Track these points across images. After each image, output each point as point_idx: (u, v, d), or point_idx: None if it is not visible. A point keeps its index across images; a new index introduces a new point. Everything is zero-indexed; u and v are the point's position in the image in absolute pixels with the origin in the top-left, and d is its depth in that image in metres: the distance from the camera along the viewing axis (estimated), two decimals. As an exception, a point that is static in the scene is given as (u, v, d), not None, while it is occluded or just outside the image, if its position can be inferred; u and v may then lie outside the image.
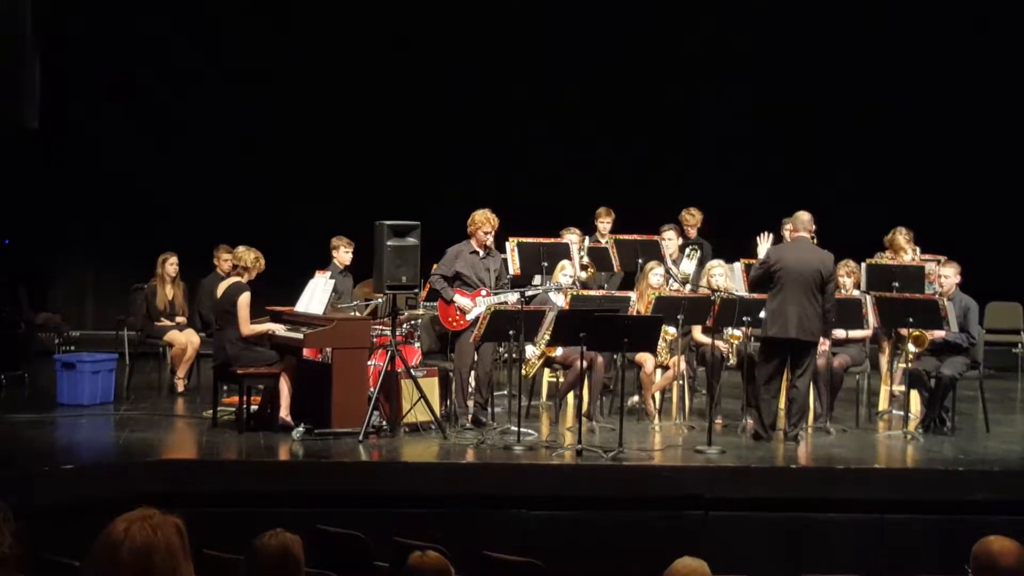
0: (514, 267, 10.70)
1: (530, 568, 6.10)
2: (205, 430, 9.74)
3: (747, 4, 15.08)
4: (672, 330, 10.04)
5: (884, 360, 11.28)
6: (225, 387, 10.28)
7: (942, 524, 8.48)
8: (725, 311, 9.82)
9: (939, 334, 10.11)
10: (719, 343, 10.17)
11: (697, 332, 10.54)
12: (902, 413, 10.64)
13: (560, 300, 10.20)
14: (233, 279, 9.79)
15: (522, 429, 9.41)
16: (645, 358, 10.32)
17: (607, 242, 11.60)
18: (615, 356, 10.20)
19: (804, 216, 9.83)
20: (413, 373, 9.54)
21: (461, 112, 14.67)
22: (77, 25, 13.89)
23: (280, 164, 14.38)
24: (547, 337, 9.71)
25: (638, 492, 8.71)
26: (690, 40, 14.98)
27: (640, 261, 10.96)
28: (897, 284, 10.39)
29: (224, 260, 11.27)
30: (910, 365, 10.20)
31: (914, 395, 10.38)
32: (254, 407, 9.85)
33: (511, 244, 10.78)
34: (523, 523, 8.43)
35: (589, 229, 12.07)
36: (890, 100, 14.87)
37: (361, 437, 9.20)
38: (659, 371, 10.51)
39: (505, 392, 10.75)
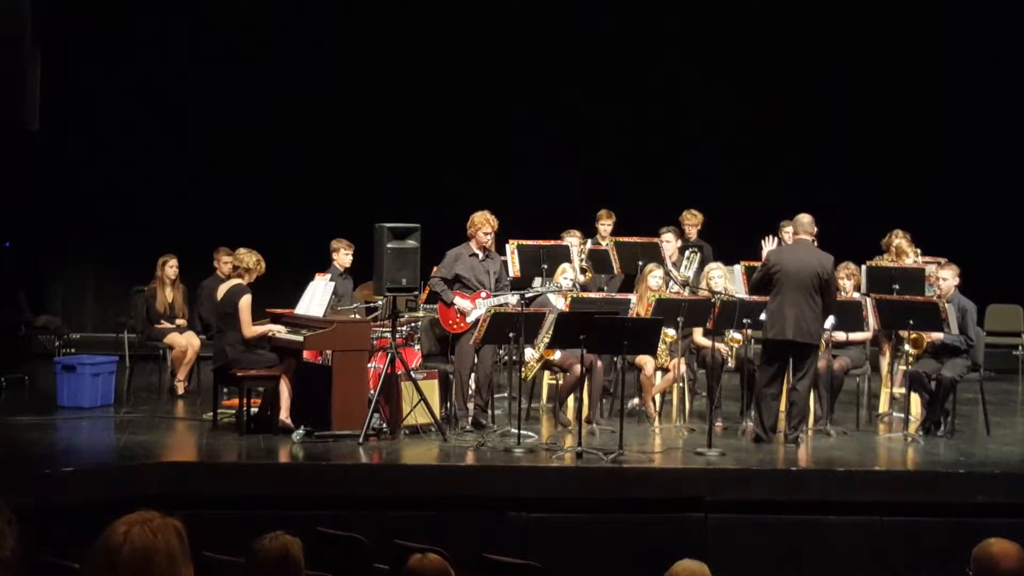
0: (514, 269, 10.70)
1: (530, 570, 6.11)
2: (205, 432, 9.74)
3: (747, 4, 15.09)
4: (671, 332, 10.04)
5: (884, 362, 11.28)
6: (225, 389, 10.27)
7: (942, 526, 8.47)
8: (725, 313, 9.83)
9: (937, 336, 10.11)
10: (719, 345, 10.17)
11: (698, 335, 10.54)
12: (902, 415, 10.64)
13: (560, 302, 10.20)
14: (234, 281, 9.78)
15: (522, 431, 9.41)
16: (645, 360, 10.31)
17: (607, 244, 11.60)
18: (615, 358, 10.20)
19: (805, 219, 9.82)
20: (413, 375, 9.54)
21: (461, 114, 14.67)
22: (77, 25, 13.89)
23: (280, 166, 14.38)
24: (547, 339, 9.71)
25: (638, 494, 8.70)
26: (691, 41, 14.98)
27: (640, 263, 10.96)
28: (897, 286, 10.40)
29: (224, 262, 11.27)
30: (910, 367, 10.19)
31: (914, 397, 10.37)
32: (254, 409, 9.84)
33: (511, 246, 10.78)
34: (523, 525, 8.43)
35: (590, 231, 12.08)
36: (891, 102, 14.87)
37: (361, 439, 9.20)
38: (659, 373, 10.51)
39: (505, 394, 10.75)
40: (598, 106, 14.95)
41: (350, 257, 11.22)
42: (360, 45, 14.64)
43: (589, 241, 11.83)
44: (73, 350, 12.89)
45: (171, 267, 11.72)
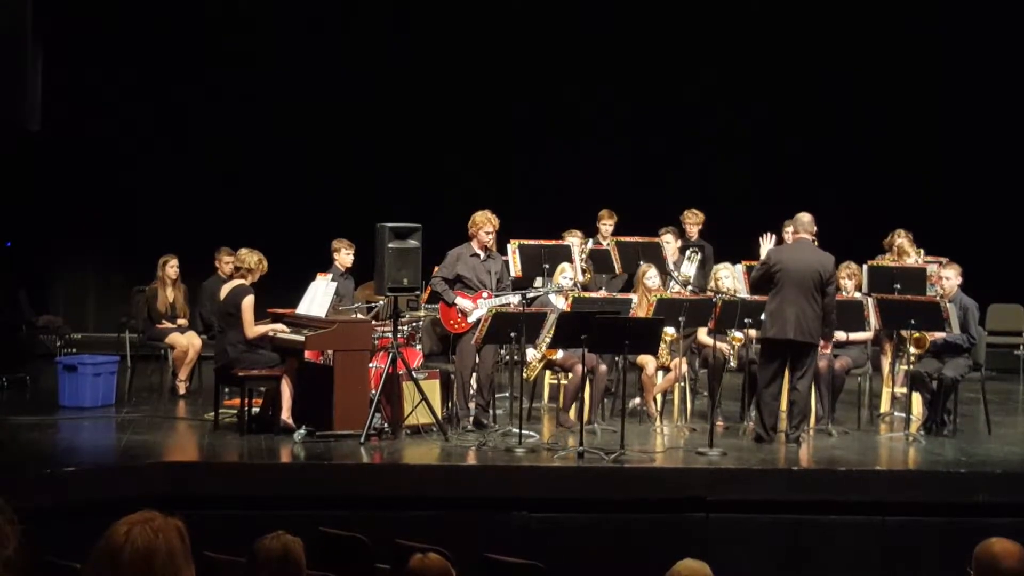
0: (515, 269, 10.69)
1: (531, 570, 6.10)
2: (206, 432, 9.74)
3: (747, 4, 15.08)
4: (672, 331, 10.03)
5: (886, 362, 11.28)
6: (227, 389, 10.27)
7: (944, 526, 8.48)
8: (727, 313, 9.82)
9: (939, 335, 10.10)
10: (722, 345, 10.17)
11: (702, 334, 10.54)
12: (904, 415, 10.64)
13: (560, 302, 10.19)
14: (236, 281, 9.78)
15: (523, 431, 9.41)
16: (646, 360, 10.31)
17: (608, 244, 11.60)
18: (616, 358, 10.20)
19: (805, 217, 9.82)
20: (414, 375, 9.54)
21: (462, 113, 14.67)
22: (77, 25, 13.89)
23: (280, 166, 14.38)
24: (548, 339, 9.71)
25: (639, 494, 8.70)
26: (692, 41, 14.98)
27: (641, 263, 10.95)
28: (898, 286, 10.39)
29: (225, 263, 11.28)
30: (912, 367, 10.19)
31: (916, 397, 10.37)
32: (255, 409, 9.85)
33: (512, 246, 10.78)
34: (524, 525, 8.43)
35: (591, 231, 12.07)
36: (892, 100, 14.87)
37: (362, 439, 9.20)
38: (660, 373, 10.51)
39: (506, 394, 10.75)
40: (598, 106, 14.95)
41: (351, 257, 11.21)
42: (360, 45, 14.63)
43: (590, 241, 11.82)
44: (74, 350, 12.89)
45: (172, 267, 11.72)
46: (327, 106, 14.53)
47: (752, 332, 10.06)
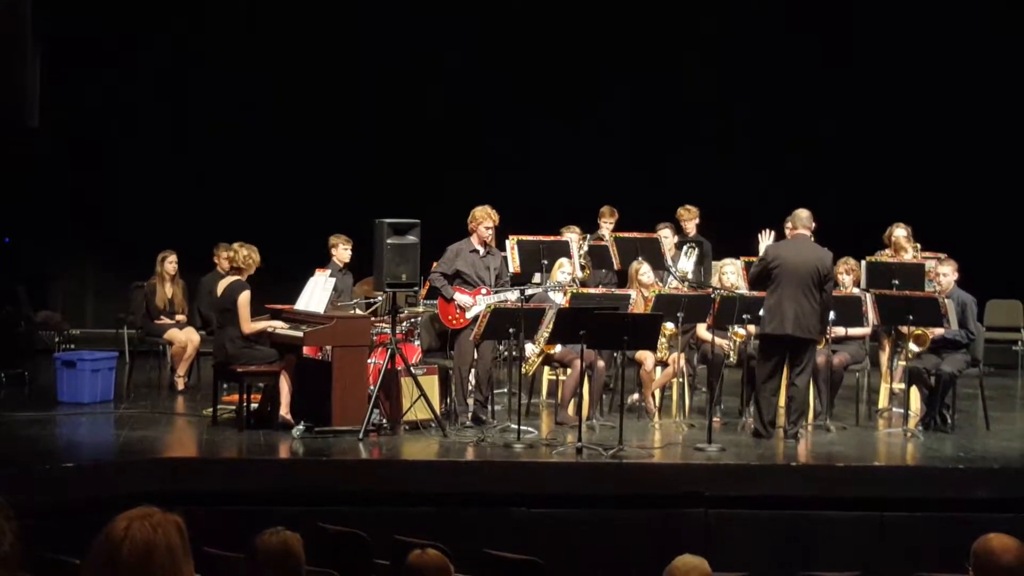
0: (514, 265, 10.70)
1: (530, 566, 6.11)
2: (205, 428, 9.74)
3: (747, 4, 15.08)
4: (670, 326, 10.03)
5: (884, 358, 11.27)
6: (225, 385, 10.29)
7: (942, 522, 8.47)
8: (726, 309, 9.83)
9: (938, 331, 10.11)
10: (722, 341, 10.17)
11: (701, 329, 10.54)
12: (902, 411, 10.64)
13: (559, 298, 10.19)
14: (233, 277, 9.79)
15: (522, 427, 9.41)
16: (645, 356, 10.31)
17: (608, 240, 11.58)
18: (615, 354, 10.20)
19: (803, 213, 9.82)
20: (413, 371, 9.54)
21: (461, 109, 14.67)
22: (77, 25, 13.88)
23: (280, 162, 14.38)
24: (547, 335, 9.71)
25: (638, 490, 8.70)
26: (692, 38, 14.98)
27: (639, 259, 10.94)
28: (897, 282, 10.39)
29: (224, 258, 11.27)
30: (910, 363, 10.20)
31: (914, 393, 10.38)
32: (254, 405, 9.85)
33: (511, 242, 10.78)
34: (523, 521, 8.43)
35: (590, 227, 12.06)
36: (890, 97, 14.87)
37: (361, 435, 9.20)
38: (658, 368, 10.51)
39: (505, 390, 10.75)
40: (598, 105, 14.94)
41: (349, 252, 11.21)
42: (360, 44, 14.63)
43: (589, 237, 11.81)
44: (73, 346, 12.90)
45: (171, 263, 11.72)
46: (326, 102, 14.53)
47: (751, 328, 10.06)
